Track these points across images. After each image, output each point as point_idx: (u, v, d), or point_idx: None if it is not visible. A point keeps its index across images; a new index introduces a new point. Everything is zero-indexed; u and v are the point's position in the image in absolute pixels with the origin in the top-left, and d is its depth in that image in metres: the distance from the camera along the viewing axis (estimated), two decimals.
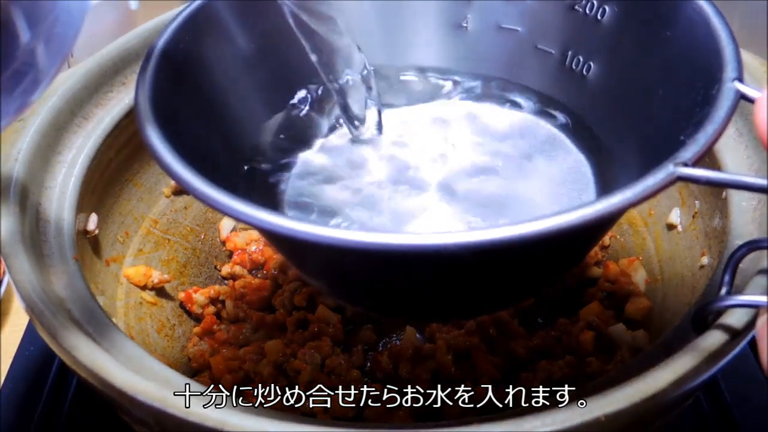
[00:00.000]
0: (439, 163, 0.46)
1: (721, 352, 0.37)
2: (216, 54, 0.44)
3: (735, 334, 0.38)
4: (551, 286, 0.45)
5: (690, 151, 0.31)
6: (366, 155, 0.47)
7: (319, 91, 0.49)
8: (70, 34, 0.32)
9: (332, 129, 0.49)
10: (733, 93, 0.33)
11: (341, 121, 0.48)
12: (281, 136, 0.48)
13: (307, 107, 0.49)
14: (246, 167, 0.45)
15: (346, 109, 0.46)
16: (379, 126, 0.48)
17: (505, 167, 0.45)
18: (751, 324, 0.38)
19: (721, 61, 0.35)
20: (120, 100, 0.56)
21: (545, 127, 0.47)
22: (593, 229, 0.38)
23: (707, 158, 0.51)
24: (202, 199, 0.33)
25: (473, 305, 0.42)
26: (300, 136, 0.48)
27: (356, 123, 0.47)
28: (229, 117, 0.45)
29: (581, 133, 0.46)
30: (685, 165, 0.30)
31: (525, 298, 0.49)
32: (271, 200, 0.45)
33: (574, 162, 0.45)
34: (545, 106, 0.48)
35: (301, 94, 0.49)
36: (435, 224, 0.42)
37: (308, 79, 0.48)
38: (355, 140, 0.48)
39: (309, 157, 0.47)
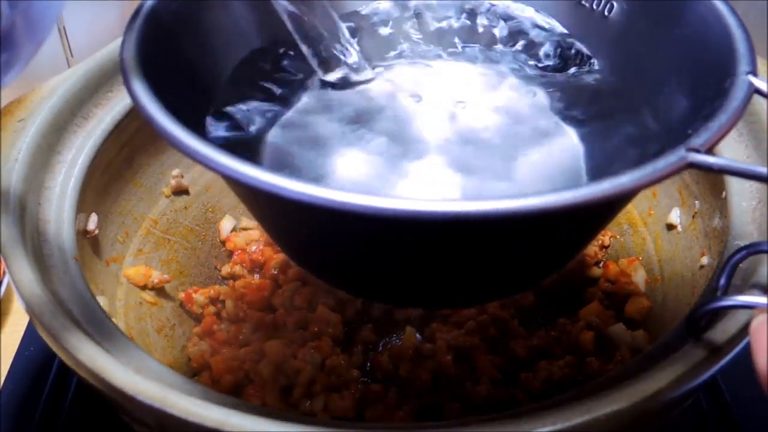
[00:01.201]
0: (441, 122, 0.44)
1: (721, 352, 0.37)
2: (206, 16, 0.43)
3: (735, 334, 0.38)
4: (546, 278, 0.44)
5: (702, 137, 0.30)
6: (358, 107, 0.45)
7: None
8: (46, 20, 0.32)
9: (323, 79, 0.46)
10: (746, 85, 0.33)
11: (332, 66, 0.46)
12: (266, 84, 0.45)
13: (293, 58, 0.46)
14: (229, 121, 0.43)
15: (324, 50, 0.44)
16: (360, 65, 0.45)
17: (503, 137, 0.43)
18: (749, 324, 0.38)
19: (734, 55, 0.35)
20: (120, 100, 0.56)
21: (544, 102, 0.45)
22: (598, 212, 0.36)
23: None
24: (168, 137, 0.32)
25: (461, 292, 0.41)
26: (289, 84, 0.46)
27: (342, 62, 0.45)
28: (209, 64, 0.43)
29: (580, 120, 0.45)
30: (698, 151, 0.29)
31: (518, 290, 0.47)
32: (253, 152, 0.42)
33: (572, 148, 0.43)
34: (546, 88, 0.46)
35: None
36: (428, 188, 0.40)
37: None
38: (347, 86, 0.45)
39: (297, 106, 0.45)
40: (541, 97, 0.44)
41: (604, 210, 0.37)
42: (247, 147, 0.41)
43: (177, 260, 0.62)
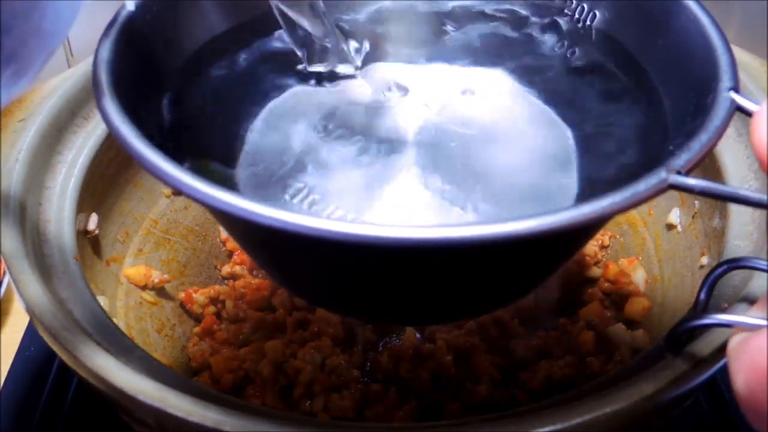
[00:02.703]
0: (419, 122, 0.43)
1: (720, 353, 0.37)
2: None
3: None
4: (524, 296, 0.43)
5: (683, 158, 0.30)
6: (341, 104, 0.44)
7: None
8: (58, 32, 0.32)
9: (306, 74, 0.45)
10: (729, 102, 0.32)
11: (316, 62, 0.44)
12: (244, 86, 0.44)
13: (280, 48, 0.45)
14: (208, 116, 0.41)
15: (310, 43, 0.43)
16: (347, 58, 0.44)
17: (487, 136, 0.42)
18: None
19: (716, 71, 0.34)
20: None
21: (536, 104, 0.44)
22: (575, 234, 0.36)
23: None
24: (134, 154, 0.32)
25: (432, 311, 0.40)
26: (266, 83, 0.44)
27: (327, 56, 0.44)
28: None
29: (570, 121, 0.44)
30: (678, 173, 0.29)
31: (495, 307, 0.47)
32: (229, 155, 0.41)
33: (558, 146, 0.42)
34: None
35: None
36: (406, 196, 0.39)
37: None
38: (331, 79, 0.44)
39: (276, 103, 0.43)
40: (532, 98, 0.44)
41: (581, 231, 0.36)
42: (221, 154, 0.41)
43: (177, 260, 0.62)
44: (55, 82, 0.54)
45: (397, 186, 0.39)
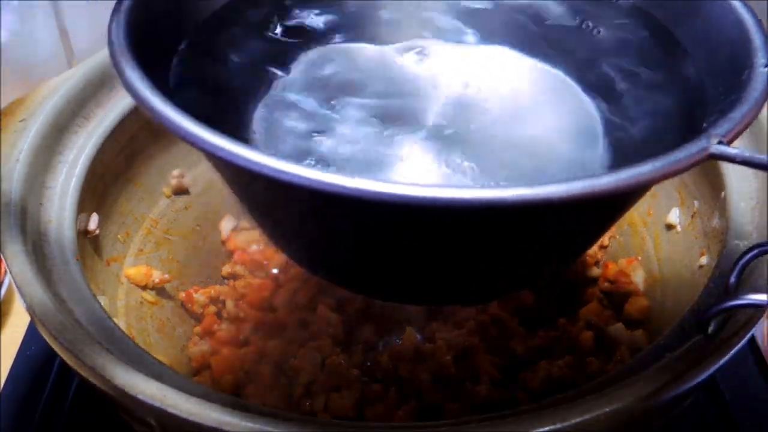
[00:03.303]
0: (441, 95, 0.41)
1: (719, 352, 0.37)
2: None
3: (733, 335, 0.38)
4: (549, 277, 0.42)
5: (724, 128, 0.29)
6: (360, 74, 0.42)
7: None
8: None
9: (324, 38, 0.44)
10: (766, 77, 0.32)
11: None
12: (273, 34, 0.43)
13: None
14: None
15: None
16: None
17: (511, 113, 0.41)
18: (749, 324, 0.38)
19: (750, 49, 0.34)
20: (120, 99, 0.56)
21: (564, 79, 0.43)
22: (612, 204, 0.35)
23: None
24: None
25: (462, 287, 0.38)
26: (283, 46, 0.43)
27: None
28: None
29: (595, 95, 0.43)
30: (720, 142, 0.28)
31: (522, 285, 0.44)
32: (241, 124, 0.39)
33: (583, 118, 0.41)
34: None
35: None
36: (423, 168, 0.37)
37: None
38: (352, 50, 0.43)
39: (295, 68, 0.42)
40: (559, 70, 0.43)
41: (618, 202, 0.35)
42: (235, 115, 0.39)
43: (177, 260, 0.62)
44: (56, 82, 0.54)
45: (414, 162, 0.38)
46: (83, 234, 0.53)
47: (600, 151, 0.38)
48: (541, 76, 0.43)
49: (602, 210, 0.35)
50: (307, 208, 0.33)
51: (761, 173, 0.48)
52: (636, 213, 0.62)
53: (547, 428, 0.34)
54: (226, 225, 0.66)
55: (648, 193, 0.59)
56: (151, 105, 0.30)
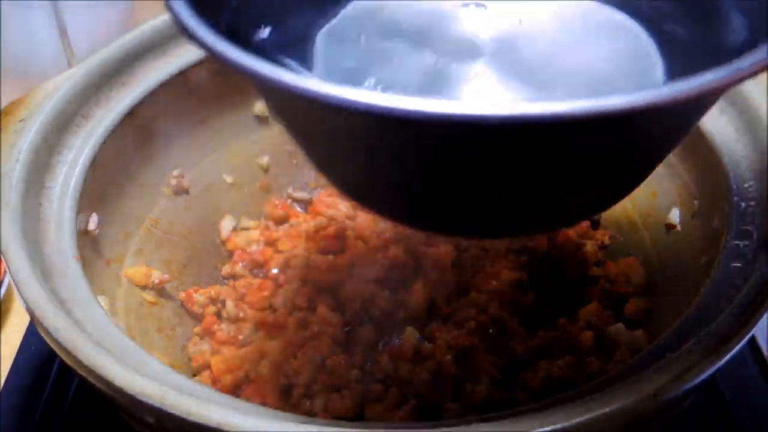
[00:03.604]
0: (495, 31, 0.41)
1: (720, 352, 0.37)
2: None
3: (734, 334, 0.38)
4: (608, 206, 0.40)
5: None
6: (415, 12, 0.42)
7: None
8: None
9: None
10: None
11: None
12: None
13: None
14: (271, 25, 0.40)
15: None
16: None
17: (567, 40, 0.41)
18: (749, 324, 0.38)
19: None
20: (120, 99, 0.56)
21: (618, 13, 0.42)
22: (677, 118, 0.34)
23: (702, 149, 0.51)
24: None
25: (523, 214, 0.37)
26: None
27: None
28: None
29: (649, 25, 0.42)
30: None
31: (584, 216, 0.43)
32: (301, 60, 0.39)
33: (642, 51, 0.40)
34: None
35: None
36: (487, 92, 0.37)
37: None
38: None
39: (350, 8, 0.42)
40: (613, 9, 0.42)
41: (682, 116, 0.34)
42: (294, 54, 0.39)
43: (177, 260, 0.62)
44: (56, 82, 0.54)
45: (474, 89, 0.37)
46: (83, 234, 0.52)
47: (660, 74, 0.38)
48: (595, 12, 0.42)
49: (669, 121, 0.34)
50: (394, 138, 0.32)
51: (761, 173, 0.48)
52: (636, 213, 0.62)
53: (547, 428, 0.34)
54: (226, 225, 0.66)
55: (648, 193, 0.59)
56: (222, 52, 0.31)
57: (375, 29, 0.41)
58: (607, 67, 0.39)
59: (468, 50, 0.40)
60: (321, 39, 0.41)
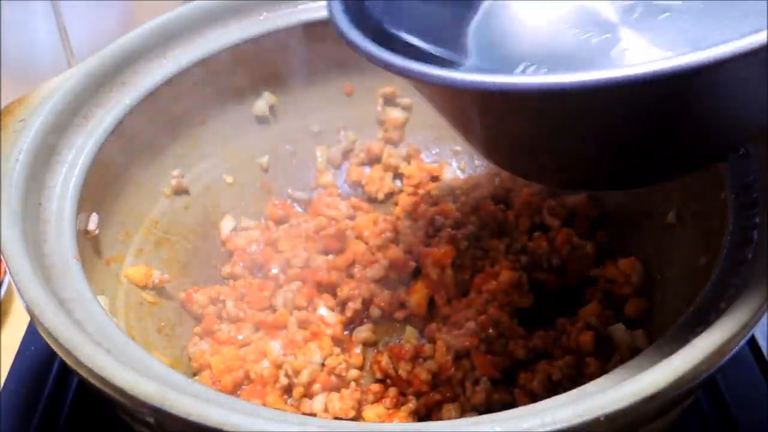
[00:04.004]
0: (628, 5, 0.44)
1: (720, 352, 0.37)
2: None
3: (734, 334, 0.38)
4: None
5: None
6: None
7: None
8: None
9: None
10: None
11: None
12: None
13: None
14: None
15: None
16: None
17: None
18: (748, 324, 0.38)
19: None
20: (120, 99, 0.57)
21: None
22: None
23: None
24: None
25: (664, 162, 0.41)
26: None
27: None
28: None
29: None
30: None
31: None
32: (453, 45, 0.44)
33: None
34: None
35: None
36: (641, 55, 0.41)
37: None
38: None
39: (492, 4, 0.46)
40: None
41: None
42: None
43: (177, 260, 0.62)
44: (56, 82, 0.54)
45: (622, 51, 0.41)
46: (83, 234, 0.52)
47: None
48: None
49: None
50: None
51: (761, 173, 0.48)
52: (636, 213, 0.62)
53: (547, 428, 0.34)
54: (226, 225, 0.66)
55: (648, 192, 0.59)
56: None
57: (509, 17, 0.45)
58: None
59: (603, 22, 0.43)
60: (471, 32, 0.45)
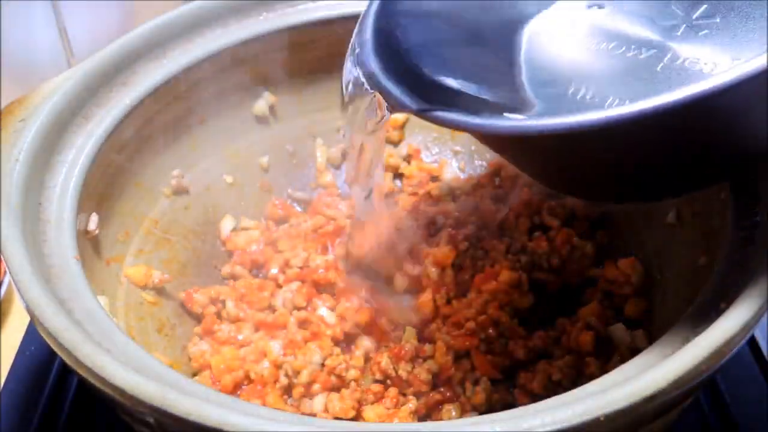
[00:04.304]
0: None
1: (720, 352, 0.37)
2: None
3: (734, 334, 0.38)
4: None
5: None
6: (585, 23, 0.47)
7: None
8: None
9: None
10: None
11: None
12: None
13: None
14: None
15: None
16: None
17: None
18: (748, 324, 0.38)
19: None
20: (120, 100, 0.57)
21: None
22: None
23: None
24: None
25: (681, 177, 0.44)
26: None
27: None
28: None
29: None
30: None
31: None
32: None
33: None
34: None
35: None
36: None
37: None
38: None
39: (534, 27, 0.48)
40: None
41: None
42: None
43: (177, 260, 0.62)
44: (56, 82, 0.54)
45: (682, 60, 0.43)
46: (83, 234, 0.52)
47: None
48: None
49: None
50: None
51: (762, 173, 0.48)
52: (635, 213, 0.62)
53: (547, 428, 0.34)
54: (226, 225, 0.66)
55: None
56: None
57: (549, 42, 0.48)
58: None
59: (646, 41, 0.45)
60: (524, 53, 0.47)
